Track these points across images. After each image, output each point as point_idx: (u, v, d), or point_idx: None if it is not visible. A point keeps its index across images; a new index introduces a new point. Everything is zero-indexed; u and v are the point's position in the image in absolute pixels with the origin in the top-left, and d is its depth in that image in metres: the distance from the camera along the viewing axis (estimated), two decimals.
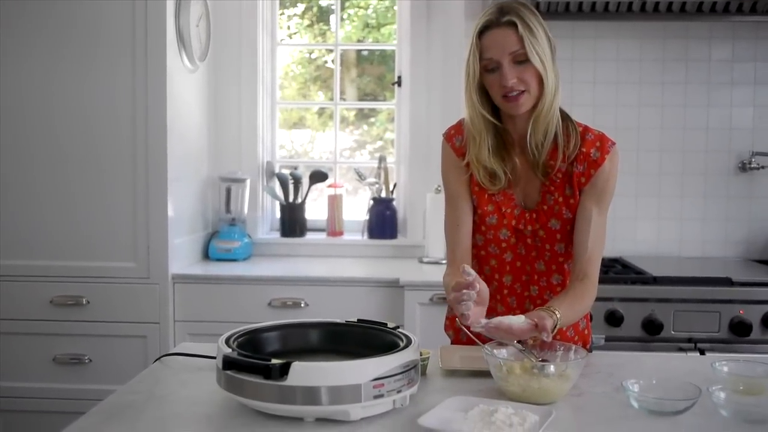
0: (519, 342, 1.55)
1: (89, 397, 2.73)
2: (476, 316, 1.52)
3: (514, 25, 1.63)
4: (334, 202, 3.46)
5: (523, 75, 1.65)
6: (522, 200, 1.79)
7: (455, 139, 1.83)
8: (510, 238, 1.79)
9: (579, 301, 1.67)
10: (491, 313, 1.76)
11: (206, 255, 3.25)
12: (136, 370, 1.86)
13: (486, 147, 1.74)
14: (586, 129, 1.77)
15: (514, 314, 1.61)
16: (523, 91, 1.66)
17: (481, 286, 1.54)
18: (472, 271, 1.51)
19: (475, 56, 1.67)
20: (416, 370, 1.41)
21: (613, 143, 1.76)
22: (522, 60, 1.64)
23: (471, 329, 1.53)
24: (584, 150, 1.73)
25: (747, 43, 3.22)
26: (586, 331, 1.89)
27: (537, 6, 2.96)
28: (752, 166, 3.22)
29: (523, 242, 1.79)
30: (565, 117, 1.76)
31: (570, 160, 1.73)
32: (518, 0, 1.70)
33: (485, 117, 1.73)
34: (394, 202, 3.46)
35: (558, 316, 1.54)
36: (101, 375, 2.82)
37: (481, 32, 1.67)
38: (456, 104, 1.83)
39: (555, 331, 1.54)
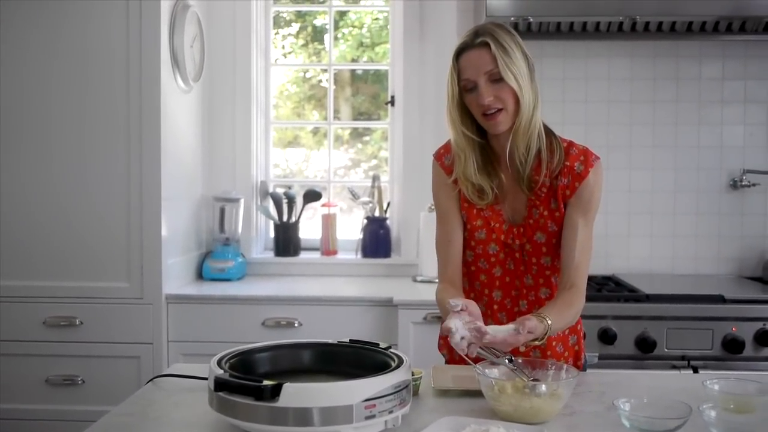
0: (511, 361, 1.56)
1: (82, 419, 2.72)
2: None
3: (487, 45, 1.69)
4: (328, 222, 3.46)
5: (499, 93, 1.70)
6: (510, 215, 1.82)
7: (444, 158, 1.88)
8: (499, 253, 1.82)
9: (567, 308, 1.70)
10: None
11: (200, 275, 3.25)
12: (130, 390, 1.85)
13: (471, 164, 1.79)
14: (570, 144, 1.81)
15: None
16: (500, 109, 1.71)
17: (470, 306, 1.55)
18: (458, 302, 1.53)
19: (453, 78, 1.75)
20: (408, 390, 1.41)
21: (597, 157, 1.80)
22: (497, 79, 1.70)
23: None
24: (568, 164, 1.77)
25: (737, 62, 3.26)
26: (576, 347, 1.89)
27: (528, 26, 2.99)
28: (743, 183, 3.24)
29: (512, 257, 1.82)
30: (548, 133, 1.81)
31: (554, 174, 1.77)
32: (495, 22, 1.78)
33: (467, 135, 1.78)
34: (388, 221, 3.47)
35: (549, 322, 1.58)
36: (94, 396, 2.81)
37: (458, 54, 1.75)
38: None
39: (546, 338, 1.58)
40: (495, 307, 1.85)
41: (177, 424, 1.46)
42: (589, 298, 2.75)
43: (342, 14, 3.69)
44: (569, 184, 1.77)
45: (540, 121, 1.77)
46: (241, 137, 3.42)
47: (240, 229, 3.31)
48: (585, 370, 1.92)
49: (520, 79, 1.70)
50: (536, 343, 1.58)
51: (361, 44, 3.71)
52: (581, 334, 1.92)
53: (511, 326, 1.53)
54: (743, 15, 2.89)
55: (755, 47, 3.24)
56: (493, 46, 1.69)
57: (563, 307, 1.69)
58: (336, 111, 3.66)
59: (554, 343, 1.83)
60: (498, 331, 1.51)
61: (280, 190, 3.54)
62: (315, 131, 3.74)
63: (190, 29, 3.04)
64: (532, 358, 1.70)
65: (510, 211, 1.83)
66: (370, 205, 3.43)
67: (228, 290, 2.99)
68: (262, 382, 1.30)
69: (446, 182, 1.86)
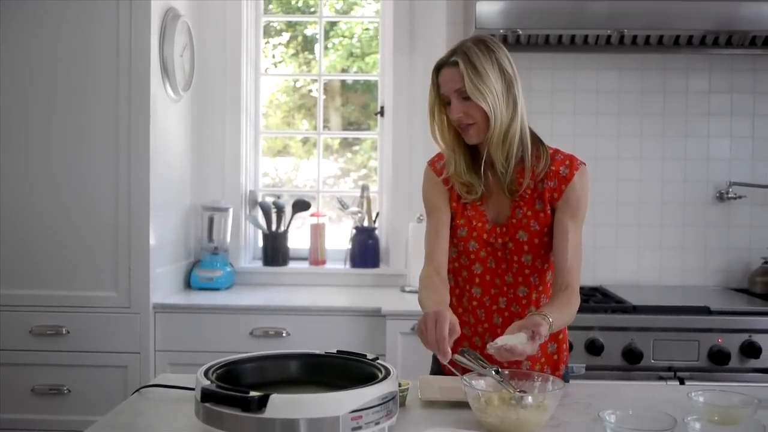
0: (497, 373, 1.56)
1: (68, 428, 2.74)
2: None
3: (458, 64, 1.77)
4: (317, 231, 3.47)
5: (468, 110, 1.78)
6: (493, 216, 1.87)
7: (437, 163, 1.96)
8: (479, 251, 1.87)
9: (566, 307, 1.76)
10: (466, 325, 1.89)
11: (188, 284, 3.25)
12: (116, 400, 1.85)
13: (461, 164, 1.86)
14: (556, 151, 1.88)
15: (486, 327, 1.82)
16: (472, 124, 1.79)
17: (453, 320, 1.59)
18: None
19: (432, 91, 1.86)
20: (395, 401, 1.41)
21: (583, 163, 1.86)
22: (467, 96, 1.77)
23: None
24: (554, 168, 1.84)
25: (723, 76, 3.29)
26: (556, 357, 1.92)
27: (517, 39, 3.01)
28: (730, 195, 3.27)
29: (494, 255, 1.87)
30: (535, 140, 1.87)
31: (539, 177, 1.83)
32: (478, 36, 1.84)
33: (448, 144, 1.87)
34: (377, 231, 3.47)
35: (551, 320, 1.63)
36: (81, 406, 2.79)
37: (438, 70, 1.84)
38: None
39: (548, 334, 1.63)
40: (474, 303, 1.89)
41: None
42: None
43: (332, 24, 3.70)
44: (556, 187, 1.83)
45: (520, 131, 1.81)
46: (230, 146, 3.42)
47: (229, 239, 3.31)
48: (567, 381, 1.93)
49: (489, 97, 1.75)
50: (536, 339, 1.61)
51: (351, 54, 3.73)
52: (564, 345, 1.94)
53: (523, 335, 1.56)
54: (729, 29, 2.91)
55: (741, 61, 3.27)
56: (462, 66, 1.76)
57: (562, 306, 1.75)
58: (326, 120, 3.67)
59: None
60: (516, 344, 1.54)
61: (269, 200, 3.55)
62: (305, 140, 3.75)
63: (180, 39, 3.05)
64: (521, 369, 1.70)
65: (494, 211, 1.87)
66: (359, 215, 3.44)
67: (216, 300, 2.99)
68: (248, 393, 1.30)
69: (437, 182, 1.92)
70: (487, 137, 1.79)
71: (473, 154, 1.88)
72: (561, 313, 1.72)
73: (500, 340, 1.55)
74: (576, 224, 1.83)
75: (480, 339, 1.89)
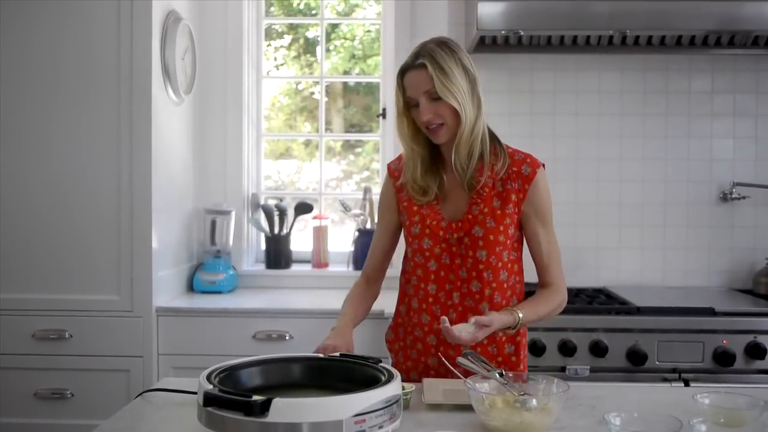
0: (501, 375, 1.56)
1: None
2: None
3: (425, 66, 1.80)
4: (320, 234, 3.46)
5: (438, 110, 1.82)
6: (450, 214, 1.91)
7: (393, 164, 2.03)
8: (433, 248, 1.90)
9: (543, 301, 1.89)
10: (417, 326, 1.94)
11: (191, 287, 3.24)
12: (119, 404, 1.85)
13: (418, 167, 1.91)
14: (515, 151, 1.93)
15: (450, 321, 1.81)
16: (441, 124, 1.83)
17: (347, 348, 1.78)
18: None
19: (398, 95, 1.89)
20: (398, 405, 1.41)
21: (542, 163, 1.91)
22: (437, 97, 1.80)
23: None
24: (515, 169, 1.88)
25: (726, 76, 3.28)
26: (514, 358, 1.92)
27: (519, 40, 3.01)
28: (733, 196, 3.26)
29: (448, 251, 1.90)
30: (493, 138, 1.91)
31: (500, 177, 1.87)
32: (437, 38, 1.89)
33: (413, 147, 1.90)
34: None
35: (520, 315, 1.79)
36: (83, 410, 2.78)
37: (403, 73, 1.88)
38: None
39: (519, 326, 1.81)
40: (430, 300, 1.92)
41: None
42: (580, 311, 2.76)
43: (334, 26, 3.70)
44: (520, 187, 1.87)
45: (482, 129, 1.86)
46: (232, 149, 3.42)
47: (231, 242, 3.30)
48: None
49: (459, 95, 1.80)
50: (509, 331, 1.81)
51: (353, 56, 3.72)
52: (523, 350, 1.94)
53: (471, 326, 1.70)
54: (732, 29, 2.91)
55: (744, 61, 3.26)
56: (430, 68, 1.79)
57: (537, 300, 1.88)
58: (328, 123, 3.66)
59: (484, 341, 1.88)
60: (462, 332, 1.69)
61: (272, 202, 3.54)
62: (307, 143, 3.75)
63: (181, 41, 3.04)
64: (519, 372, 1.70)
65: (451, 209, 1.91)
66: (362, 217, 3.43)
67: (219, 303, 2.98)
68: (251, 397, 1.29)
69: (389, 187, 2.01)
70: (457, 136, 1.83)
71: (431, 154, 1.92)
72: (534, 306, 1.86)
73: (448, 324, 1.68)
74: (545, 226, 1.90)
75: (435, 337, 1.91)
